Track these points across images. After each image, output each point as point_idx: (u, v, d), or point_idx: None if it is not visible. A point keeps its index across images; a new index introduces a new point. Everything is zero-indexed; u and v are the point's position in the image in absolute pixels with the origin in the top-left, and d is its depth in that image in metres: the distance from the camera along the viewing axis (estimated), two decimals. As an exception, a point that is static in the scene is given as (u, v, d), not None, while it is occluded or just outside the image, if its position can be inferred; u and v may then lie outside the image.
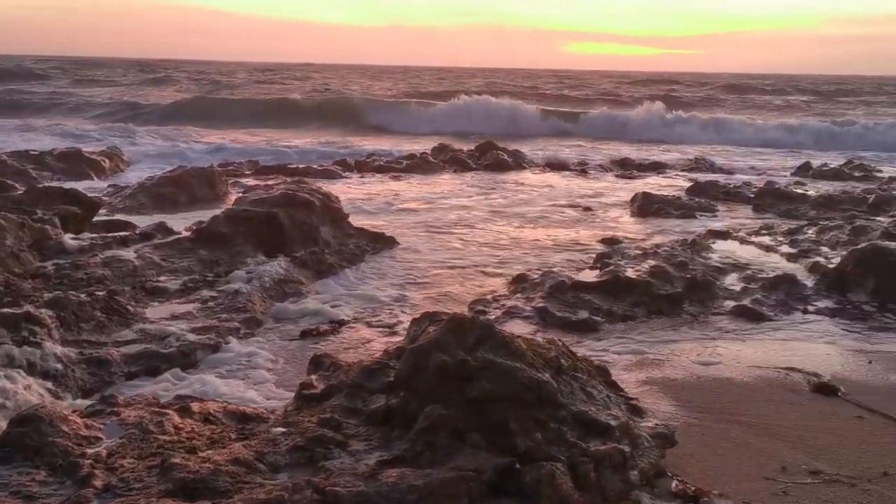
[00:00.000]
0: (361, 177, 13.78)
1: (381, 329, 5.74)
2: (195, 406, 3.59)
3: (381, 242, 8.11)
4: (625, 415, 3.29)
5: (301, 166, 14.06)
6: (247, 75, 55.16)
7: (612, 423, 3.10)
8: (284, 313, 5.98)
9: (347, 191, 11.90)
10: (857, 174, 15.51)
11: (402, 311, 6.10)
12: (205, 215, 8.19)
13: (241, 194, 9.11)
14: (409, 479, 2.55)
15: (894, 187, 13.27)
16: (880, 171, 16.22)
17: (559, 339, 3.64)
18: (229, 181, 11.52)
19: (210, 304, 5.88)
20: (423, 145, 18.25)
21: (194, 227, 7.45)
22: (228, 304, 5.87)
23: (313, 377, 3.63)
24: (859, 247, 7.11)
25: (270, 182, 11.10)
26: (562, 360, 3.27)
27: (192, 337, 5.16)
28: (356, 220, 8.87)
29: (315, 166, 14.19)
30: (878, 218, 9.87)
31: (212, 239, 7.05)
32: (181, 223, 8.03)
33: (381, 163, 14.70)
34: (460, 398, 2.96)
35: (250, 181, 12.31)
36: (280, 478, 2.73)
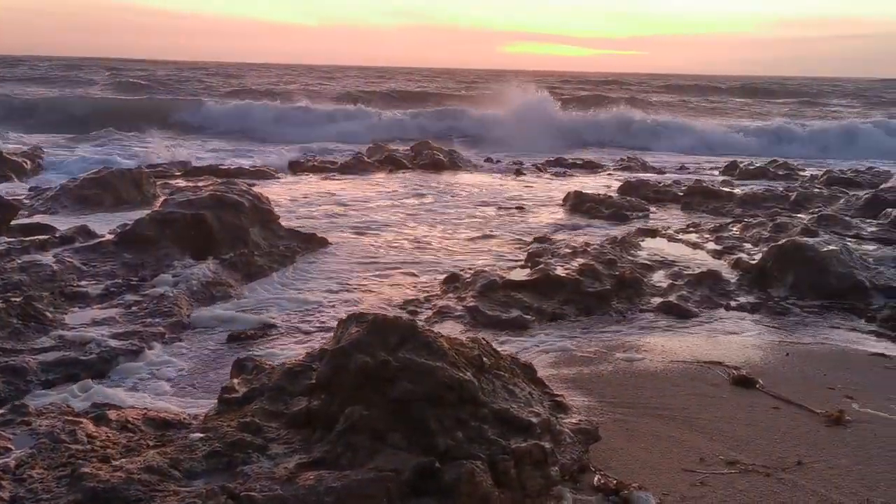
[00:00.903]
0: (295, 177, 13.63)
1: (310, 331, 5.68)
2: (112, 414, 3.50)
3: (313, 243, 8.03)
4: (547, 412, 3.32)
5: (233, 167, 13.84)
6: (166, 73, 53.69)
7: (534, 420, 3.12)
8: (212, 317, 5.87)
9: (280, 192, 11.76)
10: (780, 172, 16.02)
11: (333, 313, 6.05)
12: (130, 218, 7.99)
13: (168, 196, 8.91)
14: (326, 480, 2.52)
15: (815, 185, 13.72)
16: (803, 170, 16.79)
17: (483, 338, 3.66)
18: (158, 182, 11.26)
19: (134, 308, 5.74)
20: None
21: (118, 231, 7.26)
22: (153, 308, 5.74)
23: (235, 381, 3.57)
24: (779, 243, 7.33)
25: (201, 183, 10.89)
26: (484, 359, 3.29)
27: (113, 343, 5.02)
28: (287, 222, 8.78)
29: (248, 167, 13.99)
30: (798, 215, 10.22)
31: (137, 242, 6.89)
32: (105, 226, 7.83)
33: (316, 163, 14.58)
34: (382, 399, 2.94)
35: (180, 182, 12.05)
36: (196, 485, 2.68)
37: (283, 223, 8.35)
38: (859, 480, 3.44)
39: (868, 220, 9.78)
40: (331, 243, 8.26)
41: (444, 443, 2.84)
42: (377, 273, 7.30)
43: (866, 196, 11.21)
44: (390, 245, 8.46)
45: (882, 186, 12.10)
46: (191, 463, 2.81)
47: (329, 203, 11.04)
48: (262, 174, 13.32)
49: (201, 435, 3.01)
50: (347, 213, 10.33)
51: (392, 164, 15.09)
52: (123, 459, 2.91)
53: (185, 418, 3.59)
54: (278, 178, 13.47)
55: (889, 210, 10.07)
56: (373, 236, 8.88)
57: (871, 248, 7.93)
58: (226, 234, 7.23)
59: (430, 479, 2.71)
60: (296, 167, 14.41)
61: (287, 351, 5.21)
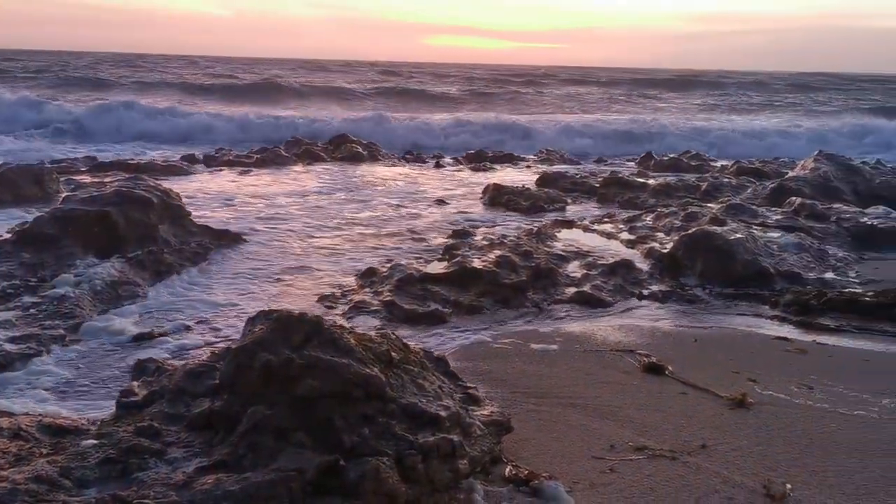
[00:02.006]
0: (210, 172, 13.29)
1: (221, 330, 5.53)
2: (4, 421, 3.33)
3: (226, 240, 7.84)
4: (457, 405, 3.30)
5: (143, 161, 13.39)
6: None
7: (443, 413, 3.10)
8: (117, 317, 5.65)
9: (192, 187, 11.44)
10: (693, 164, 16.46)
11: (246, 311, 5.90)
12: (31, 215, 7.63)
13: (70, 192, 8.55)
14: (225, 484, 2.44)
15: (725, 175, 14.13)
16: (714, 160, 17.28)
17: (392, 333, 3.61)
18: (62, 178, 10.80)
19: (32, 310, 5.47)
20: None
21: (17, 229, 6.92)
22: (53, 310, 5.49)
23: (135, 384, 3.44)
24: (689, 232, 7.52)
25: (107, 179, 10.49)
26: (393, 354, 3.25)
27: (9, 346, 4.78)
28: (200, 218, 8.55)
29: (160, 161, 13.56)
30: (708, 204, 10.50)
31: (36, 241, 6.58)
32: (3, 225, 7.46)
33: (231, 157, 14.24)
34: (286, 397, 2.87)
35: (86, 178, 11.58)
36: (88, 494, 2.55)
37: (196, 219, 8.12)
38: (760, 461, 3.54)
39: (774, 209, 10.12)
40: (245, 240, 8.08)
41: (350, 440, 2.79)
42: (293, 269, 7.16)
43: (772, 185, 11.63)
44: (307, 240, 8.33)
45: (787, 176, 12.57)
46: (83, 471, 2.68)
47: (244, 198, 10.79)
48: (174, 169, 12.94)
49: (95, 441, 2.88)
50: (263, 207, 10.12)
51: (310, 157, 14.87)
52: (12, 469, 2.75)
53: (83, 424, 3.44)
54: (192, 172, 13.10)
55: (793, 198, 10.46)
56: (289, 231, 8.72)
57: (775, 235, 8.20)
58: (133, 231, 6.98)
59: (335, 477, 2.66)
60: (210, 161, 14.05)
61: (196, 350, 5.06)
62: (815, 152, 13.42)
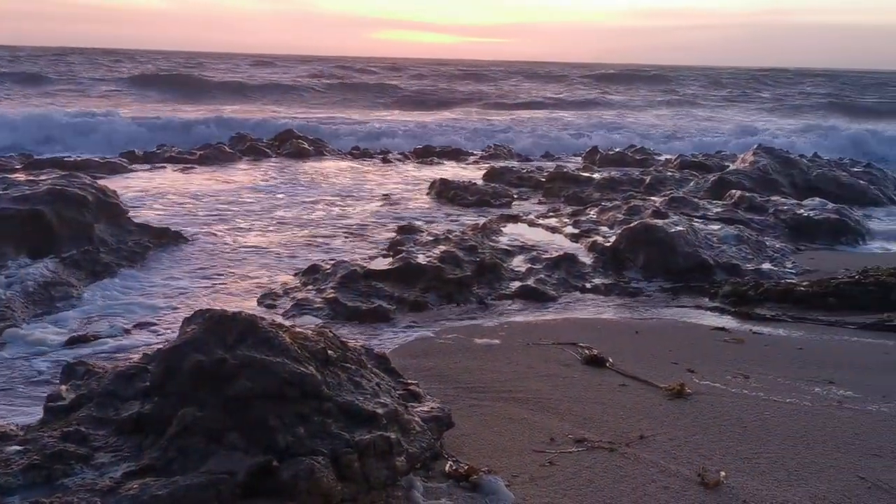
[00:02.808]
0: (150, 169, 13.00)
1: (160, 332, 5.41)
2: (-76, 429, 3.19)
3: (166, 239, 7.68)
4: (395, 402, 3.28)
5: (80, 159, 13.04)
6: None
7: (380, 411, 3.08)
8: (50, 319, 5.49)
9: (131, 184, 11.19)
10: (638, 157, 16.69)
11: (185, 311, 5.79)
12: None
13: (1, 190, 8.27)
14: (152, 488, 2.38)
15: (669, 169, 14.35)
16: (659, 154, 17.54)
17: (330, 330, 3.57)
18: (-6, 177, 10.44)
19: (-40, 313, 5.29)
20: None
21: (-56, 229, 6.67)
22: (-18, 312, 5.31)
23: (63, 387, 3.33)
24: (631, 225, 7.62)
25: (42, 177, 10.17)
26: (330, 352, 3.21)
27: (-66, 352, 4.61)
28: (139, 216, 8.37)
29: (96, 159, 13.21)
30: (652, 198, 10.65)
31: (-36, 241, 6.35)
32: (-70, 225, 7.16)
33: (174, 154, 13.96)
34: (218, 398, 2.81)
35: (20, 176, 11.19)
36: (11, 501, 2.47)
37: (134, 218, 7.94)
38: (696, 450, 3.60)
39: (714, 202, 10.32)
40: (186, 238, 7.93)
41: (284, 440, 2.75)
42: (235, 267, 7.06)
43: (714, 179, 11.85)
44: (250, 238, 8.21)
45: (728, 169, 12.83)
46: (5, 478, 2.59)
47: (186, 196, 10.59)
48: (113, 167, 12.63)
49: (19, 447, 2.78)
50: (205, 205, 9.95)
51: (254, 153, 14.67)
52: (-71, 480, 2.65)
53: (10, 430, 3.32)
54: (131, 169, 12.81)
55: (733, 191, 10.68)
56: (232, 229, 8.59)
57: (715, 227, 8.35)
58: (67, 230, 6.79)
59: (269, 478, 2.62)
60: (151, 158, 13.75)
61: (131, 352, 4.93)
62: (755, 146, 13.74)
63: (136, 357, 3.52)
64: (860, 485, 3.28)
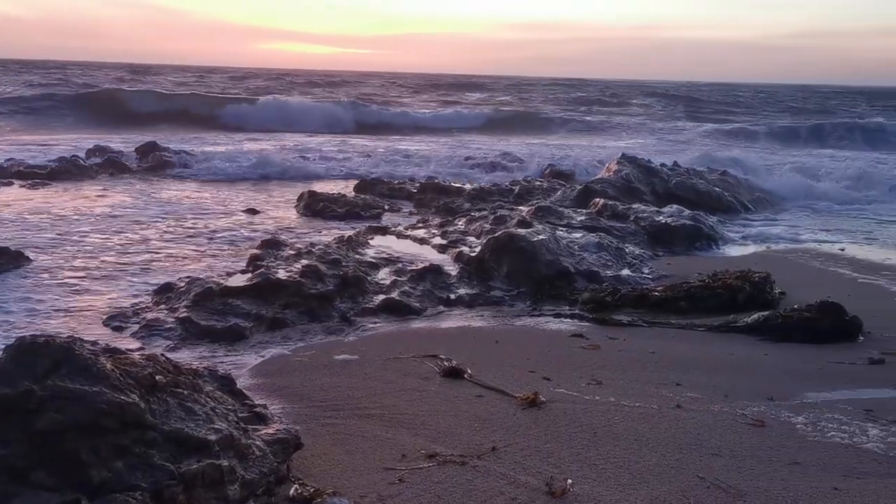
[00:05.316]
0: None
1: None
2: None
3: (6, 259, 7.13)
4: (232, 426, 3.11)
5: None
6: None
7: (212, 437, 2.90)
8: None
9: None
10: (510, 165, 16.96)
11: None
12: None
13: None
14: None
15: (538, 179, 14.64)
16: (530, 162, 17.78)
17: (161, 354, 3.36)
18: None
19: None
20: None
21: None
22: None
23: None
24: (495, 235, 7.67)
25: None
26: (158, 377, 3.01)
27: None
28: (-25, 235, 7.76)
29: (-65, 173, 12.21)
30: (519, 207, 10.81)
31: None
32: None
33: (22, 168, 13.07)
34: (24, 434, 2.57)
35: None
36: None
37: (-31, 237, 7.35)
38: (546, 459, 3.59)
39: (579, 210, 10.58)
40: (29, 258, 7.39)
41: (99, 475, 2.54)
42: (82, 289, 6.63)
43: (580, 188, 12.17)
44: (102, 256, 7.74)
45: (593, 178, 13.23)
46: None
47: (31, 213, 9.89)
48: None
49: None
50: (53, 223, 9.32)
51: (113, 167, 13.94)
52: None
53: None
54: (-28, 185, 11.91)
55: (597, 200, 10.99)
56: (81, 249, 8.06)
57: (578, 235, 8.55)
58: None
59: (79, 519, 2.40)
60: (-1, 173, 12.82)
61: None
62: (619, 155, 14.23)
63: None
64: (699, 485, 3.36)
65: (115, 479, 2.55)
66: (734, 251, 9.41)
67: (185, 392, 3.08)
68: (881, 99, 60.20)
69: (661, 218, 9.94)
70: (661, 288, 6.84)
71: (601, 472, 3.48)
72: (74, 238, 8.51)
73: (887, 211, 13.27)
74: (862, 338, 5.84)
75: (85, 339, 3.30)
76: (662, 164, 14.31)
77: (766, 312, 6.13)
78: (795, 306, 6.10)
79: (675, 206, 10.72)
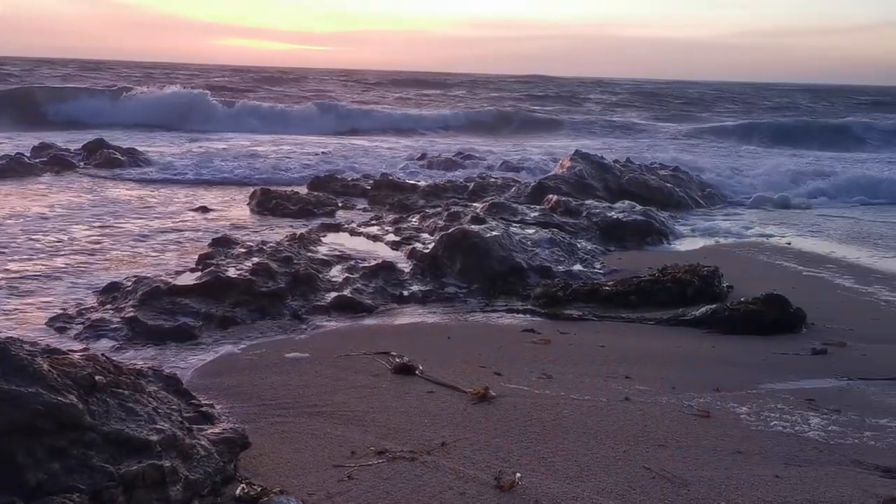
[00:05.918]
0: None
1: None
2: None
3: (-57, 259, 6.92)
4: (176, 426, 3.05)
5: None
6: None
7: (154, 437, 2.85)
8: None
9: None
10: (466, 162, 16.99)
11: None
12: None
13: None
14: None
15: (493, 175, 14.69)
16: (485, 159, 17.88)
17: (102, 354, 3.30)
18: None
19: None
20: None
21: None
22: None
23: None
24: (448, 231, 7.68)
25: None
26: (98, 378, 2.94)
27: None
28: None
29: None
30: (474, 204, 10.82)
31: None
32: None
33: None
34: (-45, 438, 2.49)
35: None
36: None
37: None
38: (495, 453, 3.60)
39: (533, 206, 10.63)
40: (-34, 259, 7.18)
41: (35, 478, 2.48)
42: (22, 289, 6.44)
43: (533, 184, 12.24)
44: (43, 256, 7.55)
45: (547, 174, 13.32)
46: None
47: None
48: None
49: None
50: (-4, 222, 9.08)
51: (59, 164, 13.60)
52: None
53: None
54: None
55: (551, 196, 11.07)
56: (24, 249, 7.85)
57: (531, 231, 8.59)
58: None
59: (13, 524, 2.34)
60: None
61: None
62: (573, 152, 14.35)
63: None
64: (645, 475, 3.40)
65: (51, 481, 2.49)
66: (684, 246, 9.56)
67: (127, 392, 3.02)
68: (826, 96, 61.65)
69: (613, 214, 10.05)
70: (611, 282, 6.91)
71: (549, 465, 3.50)
72: (14, 238, 8.28)
73: (834, 205, 13.63)
74: (805, 329, 5.98)
75: (25, 340, 3.23)
76: (615, 161, 14.47)
77: (713, 305, 6.23)
78: (742, 299, 6.22)
79: (627, 202, 10.84)
